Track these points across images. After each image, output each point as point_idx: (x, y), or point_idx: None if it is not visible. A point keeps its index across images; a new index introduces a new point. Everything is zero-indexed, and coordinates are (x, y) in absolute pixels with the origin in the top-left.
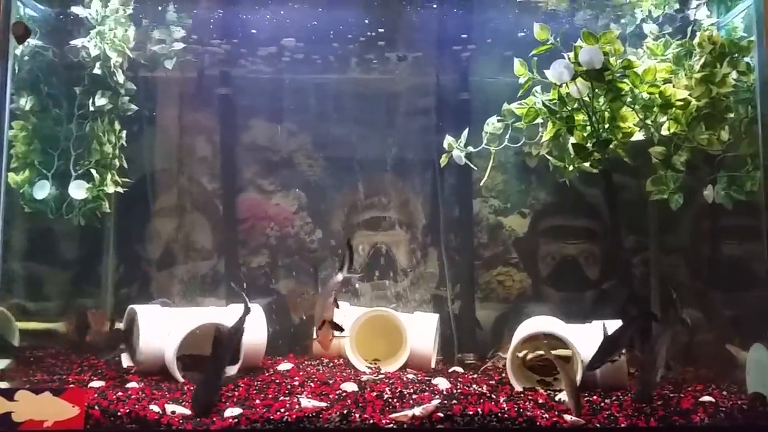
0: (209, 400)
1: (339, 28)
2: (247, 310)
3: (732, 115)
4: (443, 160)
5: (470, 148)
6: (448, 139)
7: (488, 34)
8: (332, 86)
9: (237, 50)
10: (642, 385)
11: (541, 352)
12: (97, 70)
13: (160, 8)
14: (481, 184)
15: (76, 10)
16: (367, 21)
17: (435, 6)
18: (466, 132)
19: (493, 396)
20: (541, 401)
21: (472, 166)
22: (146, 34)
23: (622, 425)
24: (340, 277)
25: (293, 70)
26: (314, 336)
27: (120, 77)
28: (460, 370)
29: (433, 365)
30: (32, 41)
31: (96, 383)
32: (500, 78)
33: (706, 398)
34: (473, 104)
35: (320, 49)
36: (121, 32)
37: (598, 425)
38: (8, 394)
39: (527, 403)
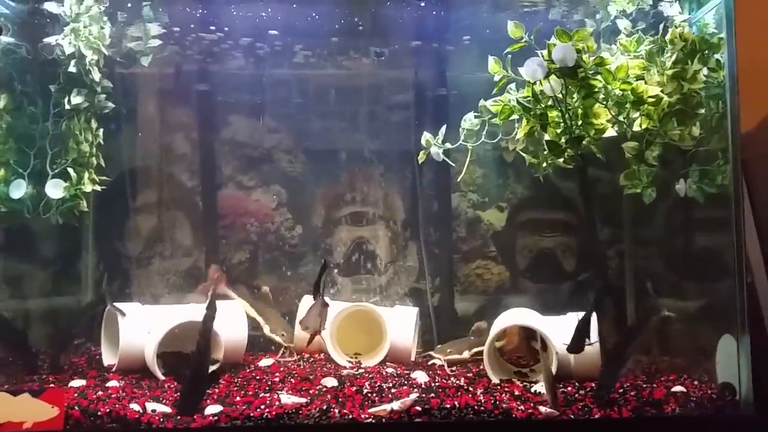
0: (196, 398)
1: (318, 23)
2: (212, 307)
3: (703, 111)
4: (421, 157)
5: (448, 145)
6: (426, 136)
7: (466, 30)
8: (311, 82)
9: (215, 46)
10: (599, 387)
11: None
12: (72, 68)
13: (135, 4)
14: (459, 179)
15: (49, 6)
16: (345, 14)
17: (413, 1)
18: (443, 129)
19: (470, 388)
20: (517, 393)
21: (449, 162)
22: (122, 31)
23: (596, 416)
24: (318, 302)
25: (271, 66)
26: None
27: (96, 75)
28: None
29: (412, 358)
30: (5, 39)
31: (76, 382)
32: (479, 74)
33: (678, 388)
34: (451, 99)
35: (299, 44)
36: (97, 29)
37: (572, 416)
38: None
39: (503, 395)
